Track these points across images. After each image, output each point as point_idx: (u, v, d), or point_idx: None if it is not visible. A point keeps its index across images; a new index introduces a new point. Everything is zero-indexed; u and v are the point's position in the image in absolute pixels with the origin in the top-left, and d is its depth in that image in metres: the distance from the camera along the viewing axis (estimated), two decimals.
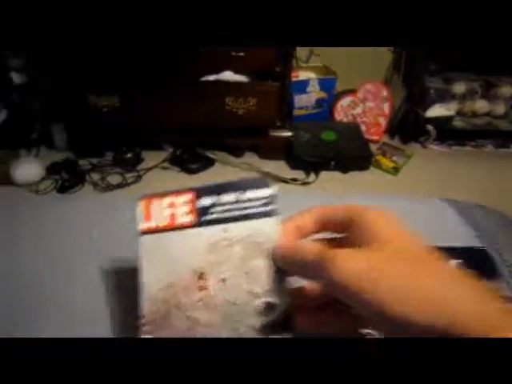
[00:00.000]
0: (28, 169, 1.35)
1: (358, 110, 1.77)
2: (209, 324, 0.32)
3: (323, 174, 1.56)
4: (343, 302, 0.27)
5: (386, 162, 1.65)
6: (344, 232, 0.31)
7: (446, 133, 1.77)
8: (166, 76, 1.36)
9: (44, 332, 0.44)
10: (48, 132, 1.52)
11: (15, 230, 0.72)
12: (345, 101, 1.77)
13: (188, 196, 0.35)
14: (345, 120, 1.78)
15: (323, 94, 1.71)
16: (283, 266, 0.31)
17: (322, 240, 0.32)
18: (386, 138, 1.81)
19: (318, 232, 0.32)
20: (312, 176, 1.54)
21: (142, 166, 1.48)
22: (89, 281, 0.51)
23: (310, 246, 0.29)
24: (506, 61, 1.72)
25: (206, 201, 0.34)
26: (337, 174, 1.58)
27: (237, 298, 0.32)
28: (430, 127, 1.72)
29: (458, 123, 1.80)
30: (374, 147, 1.71)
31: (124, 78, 1.39)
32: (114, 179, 1.40)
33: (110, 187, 1.36)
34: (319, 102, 1.73)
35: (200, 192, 0.35)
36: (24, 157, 1.43)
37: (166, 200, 0.35)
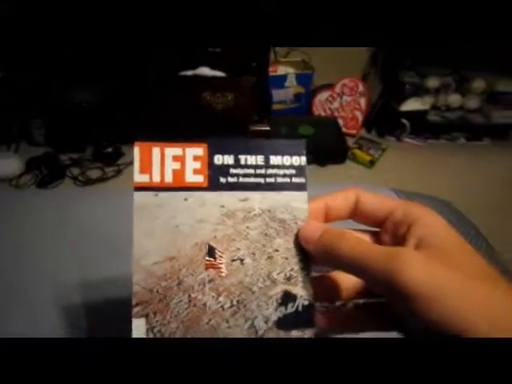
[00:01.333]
0: (8, 164, 1.36)
1: (336, 104, 1.81)
2: (217, 312, 0.26)
3: None
4: (386, 305, 0.24)
5: (362, 155, 1.69)
6: (379, 227, 0.27)
7: (421, 126, 1.83)
8: (144, 71, 1.38)
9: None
10: (27, 127, 1.53)
11: None
12: (322, 95, 1.80)
13: (200, 149, 0.28)
14: (323, 114, 1.82)
15: (301, 89, 1.74)
16: (315, 252, 0.26)
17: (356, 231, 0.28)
18: (363, 132, 1.86)
19: (346, 219, 0.28)
20: None
21: (123, 160, 1.50)
22: (69, 274, 0.53)
23: (360, 236, 0.25)
24: (479, 55, 1.76)
25: (222, 159, 0.28)
26: (314, 168, 1.62)
27: (253, 284, 0.27)
28: (404, 121, 1.77)
29: (432, 117, 1.85)
30: (351, 141, 1.76)
31: (102, 73, 1.40)
32: (94, 174, 1.42)
33: (90, 181, 1.38)
34: (297, 97, 1.77)
35: (216, 146, 0.28)
36: (3, 152, 1.44)
37: (172, 150, 0.27)
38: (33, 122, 1.52)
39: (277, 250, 0.27)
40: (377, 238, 0.27)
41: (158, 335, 0.25)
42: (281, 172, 0.28)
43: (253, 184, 0.28)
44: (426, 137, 1.87)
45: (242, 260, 0.27)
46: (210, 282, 0.26)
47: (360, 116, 1.81)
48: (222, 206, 0.27)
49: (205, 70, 1.38)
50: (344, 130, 1.78)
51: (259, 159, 0.28)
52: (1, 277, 0.54)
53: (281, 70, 1.73)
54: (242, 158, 0.28)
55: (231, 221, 0.27)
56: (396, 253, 0.22)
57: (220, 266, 0.27)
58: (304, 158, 0.28)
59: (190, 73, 1.39)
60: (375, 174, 1.64)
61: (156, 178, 0.27)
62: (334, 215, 0.28)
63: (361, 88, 1.78)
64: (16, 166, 1.35)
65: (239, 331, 0.26)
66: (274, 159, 0.28)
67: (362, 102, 1.80)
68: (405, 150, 1.80)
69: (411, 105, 1.76)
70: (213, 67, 1.39)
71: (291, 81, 1.71)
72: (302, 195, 0.28)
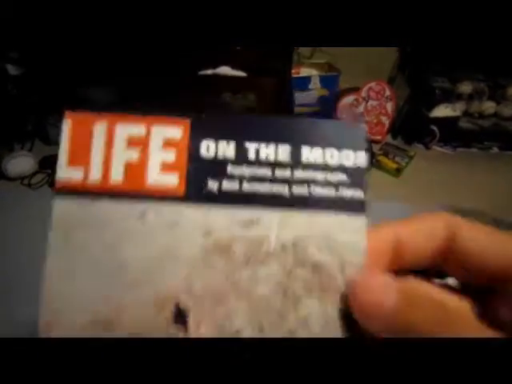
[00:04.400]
0: (21, 163, 1.33)
1: (361, 108, 1.72)
2: None
3: None
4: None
5: (388, 163, 1.61)
6: (491, 287, 0.16)
7: (451, 134, 1.73)
8: (164, 68, 1.33)
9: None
10: (43, 125, 1.50)
11: (6, 223, 0.71)
12: (348, 99, 1.72)
13: (177, 129, 0.16)
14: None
15: (325, 92, 1.67)
16: (387, 331, 0.14)
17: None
18: (388, 138, 1.77)
19: (426, 267, 0.16)
20: None
21: None
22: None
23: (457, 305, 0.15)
24: None
25: (215, 148, 0.15)
26: None
27: None
28: (434, 128, 1.68)
29: (463, 124, 1.76)
30: (376, 147, 1.68)
31: (120, 70, 1.36)
32: None
33: None
34: (321, 100, 1.69)
35: (205, 125, 0.15)
36: (17, 150, 1.40)
37: (127, 128, 0.16)
38: (48, 119, 1.49)
39: (304, 321, 0.14)
40: (483, 308, 0.15)
41: None
42: (320, 176, 0.16)
43: (268, 196, 0.15)
44: (455, 145, 1.77)
45: (238, 332, 0.15)
46: None
47: (386, 121, 1.73)
48: (208, 234, 0.15)
49: (225, 70, 1.33)
50: (369, 135, 1.70)
51: (282, 151, 0.15)
52: (11, 275, 0.53)
53: (304, 71, 1.66)
54: (251, 148, 0.15)
55: (222, 262, 0.15)
56: None
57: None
58: (363, 155, 0.16)
59: (209, 72, 1.34)
60: (402, 183, 1.55)
61: (95, 175, 0.16)
62: (407, 259, 0.16)
63: (388, 92, 1.70)
64: (28, 165, 1.32)
65: None
66: (309, 153, 0.16)
67: (389, 106, 1.71)
68: (433, 158, 1.71)
69: (442, 111, 1.67)
70: (234, 66, 1.34)
71: (315, 83, 1.63)
72: (356, 221, 0.15)
